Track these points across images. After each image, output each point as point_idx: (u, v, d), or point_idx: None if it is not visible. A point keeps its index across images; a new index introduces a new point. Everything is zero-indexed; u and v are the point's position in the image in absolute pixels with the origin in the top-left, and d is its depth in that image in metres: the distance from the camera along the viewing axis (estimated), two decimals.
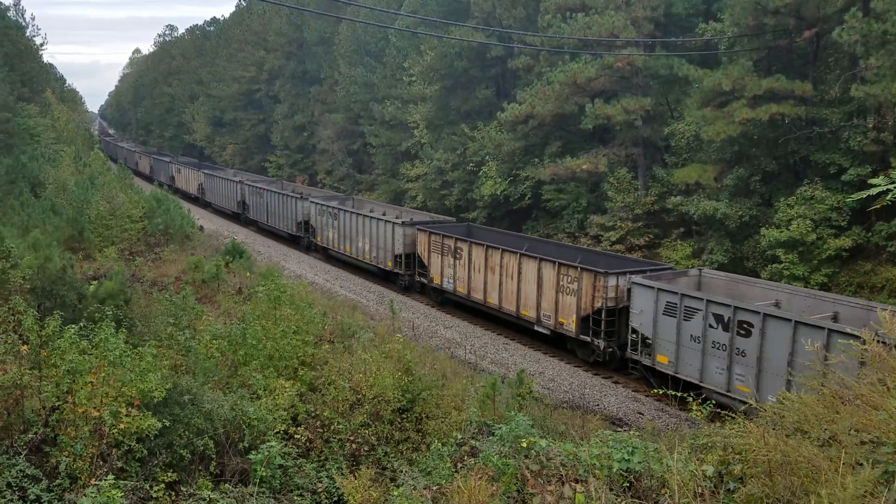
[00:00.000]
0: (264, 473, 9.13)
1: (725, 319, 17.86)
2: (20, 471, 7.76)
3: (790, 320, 16.33)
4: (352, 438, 11.39)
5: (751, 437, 4.72)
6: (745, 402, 7.39)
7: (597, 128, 34.76)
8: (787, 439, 4.54)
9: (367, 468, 11.02)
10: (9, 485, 7.58)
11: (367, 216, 34.56)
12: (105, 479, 7.28)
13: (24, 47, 50.77)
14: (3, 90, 36.89)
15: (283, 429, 11.00)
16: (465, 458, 8.32)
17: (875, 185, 7.67)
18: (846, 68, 26.40)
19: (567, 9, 34.38)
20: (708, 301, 18.38)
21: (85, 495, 7.03)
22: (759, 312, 17.09)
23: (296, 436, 11.10)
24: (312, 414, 11.95)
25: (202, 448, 9.58)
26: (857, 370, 6.40)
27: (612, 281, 21.58)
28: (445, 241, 28.77)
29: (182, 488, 8.84)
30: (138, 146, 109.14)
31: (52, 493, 7.80)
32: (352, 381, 12.69)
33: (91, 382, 8.80)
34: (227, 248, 31.64)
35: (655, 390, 12.29)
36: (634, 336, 20.76)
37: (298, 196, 42.54)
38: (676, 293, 19.37)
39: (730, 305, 17.82)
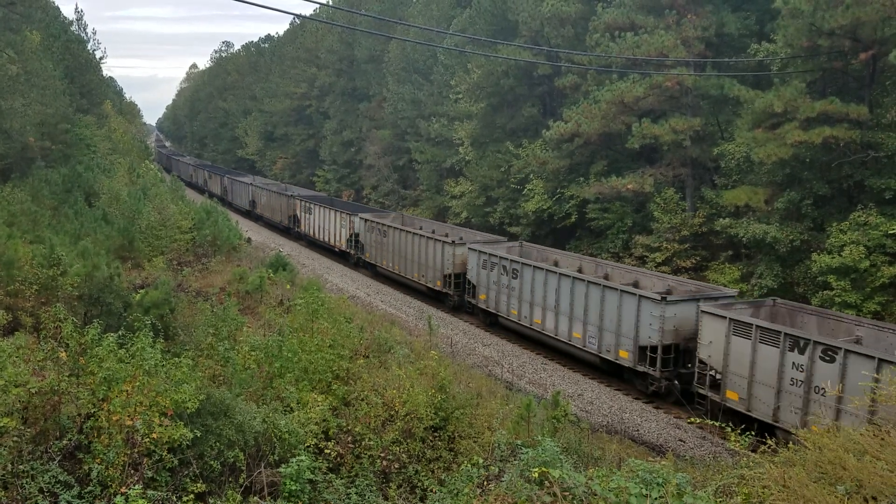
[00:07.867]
0: (294, 487, 9.13)
1: None
2: (53, 476, 7.88)
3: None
4: (383, 455, 11.34)
5: (771, 477, 4.48)
6: None
7: (644, 147, 34.32)
8: (809, 484, 4.29)
9: (398, 486, 10.97)
10: (41, 490, 7.69)
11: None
12: (133, 489, 7.34)
13: (84, 60, 52.46)
14: (62, 102, 38.07)
15: (313, 443, 10.98)
16: (490, 481, 8.18)
17: None
18: None
19: (616, 28, 34.11)
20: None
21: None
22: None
23: (326, 451, 11.07)
24: (344, 429, 11.92)
25: (232, 460, 9.62)
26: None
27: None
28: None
29: (211, 500, 8.88)
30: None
31: (83, 500, 7.89)
32: (385, 396, 12.65)
33: (126, 391, 8.93)
34: (272, 260, 32.00)
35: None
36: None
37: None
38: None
39: None
